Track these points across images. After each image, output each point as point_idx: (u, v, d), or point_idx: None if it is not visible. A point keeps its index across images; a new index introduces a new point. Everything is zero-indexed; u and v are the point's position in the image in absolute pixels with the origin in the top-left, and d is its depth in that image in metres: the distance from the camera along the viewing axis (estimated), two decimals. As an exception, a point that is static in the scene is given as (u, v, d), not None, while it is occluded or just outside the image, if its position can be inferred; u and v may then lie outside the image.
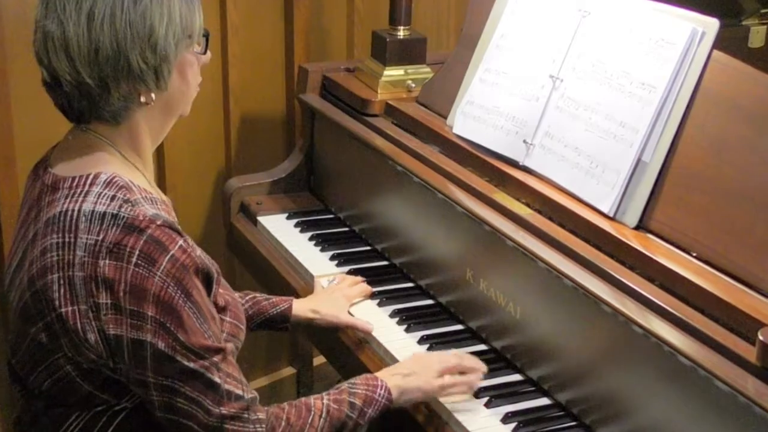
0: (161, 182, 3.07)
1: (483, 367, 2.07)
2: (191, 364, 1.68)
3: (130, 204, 1.68)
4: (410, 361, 2.05)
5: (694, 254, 1.91)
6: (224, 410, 1.72)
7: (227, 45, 3.09)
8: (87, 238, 1.66)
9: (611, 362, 1.90)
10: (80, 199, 1.69)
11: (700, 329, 1.75)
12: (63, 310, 1.67)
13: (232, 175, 3.10)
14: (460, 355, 2.07)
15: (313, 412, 1.83)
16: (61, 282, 1.67)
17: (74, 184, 1.72)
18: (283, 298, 2.28)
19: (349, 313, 2.32)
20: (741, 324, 1.73)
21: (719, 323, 1.76)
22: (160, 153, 3.05)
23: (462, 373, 2.04)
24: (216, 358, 1.71)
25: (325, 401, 1.87)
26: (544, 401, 2.05)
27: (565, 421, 1.99)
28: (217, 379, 1.71)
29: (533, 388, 2.08)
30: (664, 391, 1.77)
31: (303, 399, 1.87)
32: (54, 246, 1.68)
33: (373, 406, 1.91)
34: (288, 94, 3.27)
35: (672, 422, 1.76)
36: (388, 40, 2.79)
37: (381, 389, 1.93)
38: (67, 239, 1.67)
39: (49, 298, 1.68)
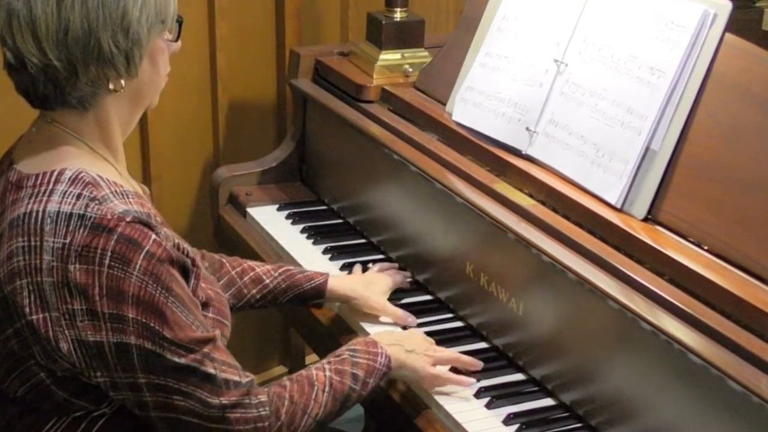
0: (146, 172, 3.07)
1: (479, 365, 2.11)
2: (183, 360, 1.68)
3: (96, 202, 1.66)
4: (411, 337, 2.10)
5: (706, 247, 1.90)
6: (224, 400, 1.72)
7: (215, 28, 3.08)
8: (54, 242, 1.65)
9: (618, 361, 1.89)
10: (44, 199, 1.67)
11: (712, 326, 1.75)
12: (33, 317, 1.66)
13: (221, 165, 3.09)
14: (456, 355, 2.11)
15: (316, 387, 1.86)
16: (30, 288, 1.66)
17: (38, 182, 1.70)
18: (318, 272, 2.30)
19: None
20: (755, 320, 1.73)
21: (732, 320, 1.76)
22: (144, 142, 3.04)
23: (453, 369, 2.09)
24: (207, 349, 1.71)
25: (327, 373, 1.89)
26: (548, 402, 2.05)
27: (570, 422, 1.99)
28: (211, 370, 1.71)
29: (536, 388, 2.08)
30: (674, 391, 1.77)
31: (304, 372, 1.89)
32: (20, 250, 1.67)
33: (375, 376, 1.95)
34: (279, 79, 3.26)
35: (682, 423, 1.76)
36: (384, 22, 2.78)
37: (382, 357, 1.96)
38: (32, 243, 1.66)
39: (19, 305, 1.67)
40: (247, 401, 1.75)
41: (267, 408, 1.77)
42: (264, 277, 2.22)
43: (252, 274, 2.22)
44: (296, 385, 1.85)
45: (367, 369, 1.93)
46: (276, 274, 2.23)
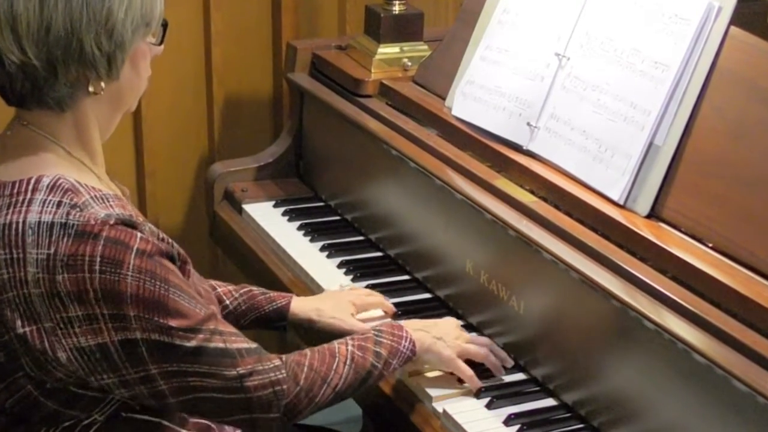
0: (139, 168, 3.06)
1: (502, 371, 2.12)
2: (192, 343, 1.69)
3: (78, 209, 1.65)
4: (442, 324, 2.11)
5: (710, 244, 1.90)
6: (241, 369, 1.74)
7: (210, 21, 3.08)
8: (37, 253, 1.63)
9: (621, 360, 1.89)
10: (24, 208, 1.66)
11: (717, 325, 1.74)
12: (25, 330, 1.65)
13: (216, 161, 3.09)
14: (486, 351, 2.10)
15: (337, 358, 1.87)
16: (18, 301, 1.65)
17: (15, 191, 1.68)
18: (282, 294, 2.25)
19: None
20: (760, 319, 1.73)
21: (737, 318, 1.76)
22: (138, 137, 3.04)
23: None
24: (212, 325, 1.72)
25: (349, 347, 1.90)
26: (550, 402, 2.05)
27: (572, 423, 1.99)
28: (222, 345, 1.72)
29: (538, 388, 2.08)
30: (678, 391, 1.77)
31: (326, 345, 1.91)
32: (2, 263, 1.65)
33: (398, 358, 1.96)
34: (275, 73, 3.26)
35: (687, 424, 1.76)
36: (382, 15, 2.78)
37: (406, 341, 1.98)
38: (15, 255, 1.65)
39: (6, 318, 1.66)
40: (261, 367, 1.76)
41: (283, 371, 1.79)
42: (224, 297, 2.18)
43: (212, 294, 2.16)
44: (317, 354, 1.87)
45: (391, 350, 1.94)
46: (237, 295, 2.20)
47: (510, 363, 2.13)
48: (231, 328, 1.77)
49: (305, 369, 1.83)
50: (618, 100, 2.10)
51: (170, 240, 1.78)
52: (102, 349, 1.66)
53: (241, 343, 1.76)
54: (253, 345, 1.78)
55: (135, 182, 3.11)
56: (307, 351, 1.87)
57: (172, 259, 1.75)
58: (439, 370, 2.08)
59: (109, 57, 1.69)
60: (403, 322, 2.05)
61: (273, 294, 2.23)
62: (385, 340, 1.95)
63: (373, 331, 1.97)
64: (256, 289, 2.23)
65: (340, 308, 2.23)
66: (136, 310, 1.65)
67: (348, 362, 1.88)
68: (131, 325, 1.65)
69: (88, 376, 1.68)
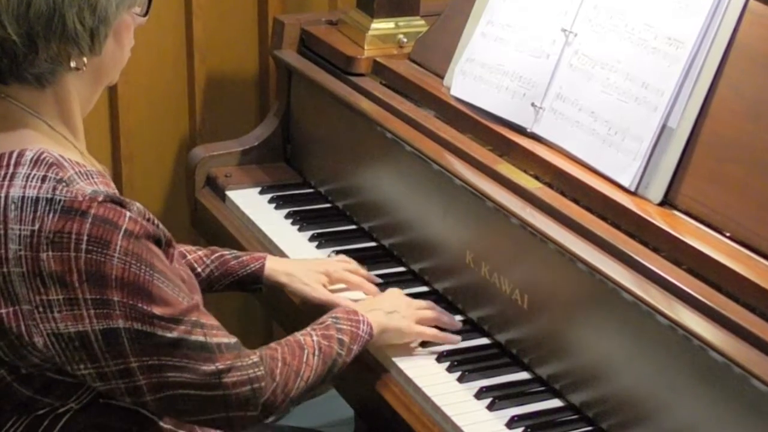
0: (116, 152, 3.06)
1: (457, 325, 2.22)
2: (174, 334, 1.71)
3: (64, 184, 1.67)
4: (389, 298, 2.19)
5: (728, 234, 1.90)
6: (219, 365, 1.76)
7: (191, -7, 3.08)
8: (20, 229, 1.65)
9: (632, 358, 1.89)
10: (6, 183, 1.68)
11: (735, 320, 1.74)
12: (0, 311, 1.66)
13: (197, 144, 3.09)
14: (437, 312, 2.21)
15: (306, 350, 1.92)
16: None
17: None
18: (255, 255, 2.32)
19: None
20: (781, 314, 1.73)
21: (756, 313, 1.76)
22: (114, 119, 3.04)
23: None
24: (194, 317, 1.75)
25: (315, 338, 1.96)
26: (555, 403, 2.05)
27: (579, 425, 1.99)
28: (202, 338, 1.75)
29: (543, 388, 2.08)
30: (693, 390, 1.77)
31: (291, 337, 1.96)
32: None
33: (358, 343, 2.02)
34: (261, 50, 3.26)
35: (701, 426, 1.76)
36: (376, -12, 2.78)
37: (364, 324, 2.04)
38: None
39: None
40: (240, 363, 1.79)
41: (261, 368, 1.82)
42: (195, 265, 2.25)
43: (183, 261, 2.21)
44: (287, 347, 1.91)
45: (351, 335, 2.00)
46: (208, 262, 2.27)
47: (459, 325, 2.21)
48: (212, 321, 1.79)
49: (279, 363, 1.87)
50: (629, 79, 2.10)
51: (156, 220, 1.79)
52: (82, 338, 1.67)
53: (221, 337, 1.78)
54: (233, 340, 1.81)
55: (111, 167, 3.10)
56: (276, 345, 1.91)
57: (158, 242, 1.77)
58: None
59: (92, 32, 1.71)
60: (354, 305, 2.12)
61: (245, 258, 2.30)
62: (344, 326, 2.01)
63: (330, 319, 2.02)
64: (227, 253, 2.30)
65: (312, 276, 2.31)
66: (120, 295, 1.66)
67: (317, 353, 1.93)
68: (114, 312, 1.67)
69: (64, 365, 1.70)
